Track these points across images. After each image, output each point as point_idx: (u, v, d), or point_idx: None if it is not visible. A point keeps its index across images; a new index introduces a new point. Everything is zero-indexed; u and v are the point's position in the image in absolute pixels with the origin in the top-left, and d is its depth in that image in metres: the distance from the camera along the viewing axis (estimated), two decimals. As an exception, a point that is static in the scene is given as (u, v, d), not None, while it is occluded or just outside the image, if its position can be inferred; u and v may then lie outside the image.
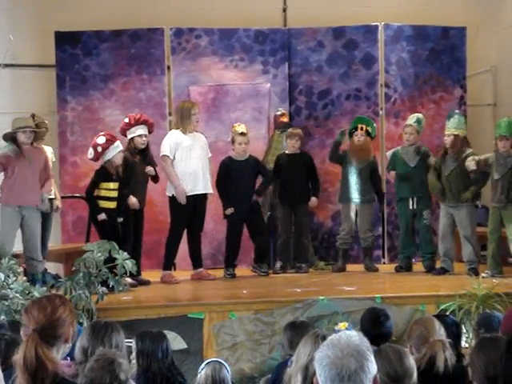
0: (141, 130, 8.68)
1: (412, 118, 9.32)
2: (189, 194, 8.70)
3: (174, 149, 8.70)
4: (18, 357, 3.14)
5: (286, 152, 9.44)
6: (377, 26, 10.36)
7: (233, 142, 9.09)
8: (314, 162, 9.59)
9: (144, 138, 8.70)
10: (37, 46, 10.32)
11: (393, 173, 9.40)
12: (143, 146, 8.71)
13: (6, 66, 10.17)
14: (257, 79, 10.33)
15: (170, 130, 9.95)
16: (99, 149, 8.29)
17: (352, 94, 10.38)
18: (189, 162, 8.73)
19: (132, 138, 8.67)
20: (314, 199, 9.40)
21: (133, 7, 10.36)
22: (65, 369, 3.97)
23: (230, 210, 9.00)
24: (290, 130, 9.54)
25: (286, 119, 9.88)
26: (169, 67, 10.24)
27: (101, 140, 8.32)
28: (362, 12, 10.45)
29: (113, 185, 8.34)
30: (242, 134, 9.03)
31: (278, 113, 9.91)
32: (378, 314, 5.16)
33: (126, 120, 8.72)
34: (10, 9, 10.29)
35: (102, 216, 8.21)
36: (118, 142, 8.38)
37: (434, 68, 10.53)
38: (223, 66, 10.29)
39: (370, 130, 9.37)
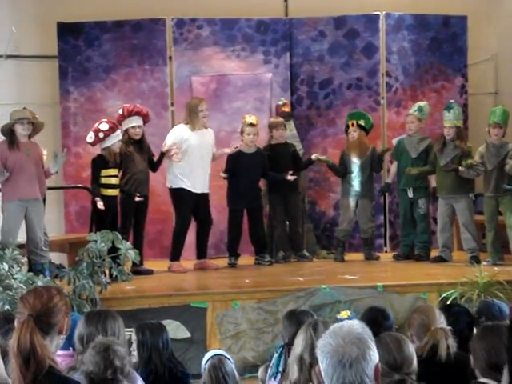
0: (134, 121, 8.67)
1: (414, 107, 9.36)
2: (188, 189, 8.76)
3: (179, 141, 8.74)
4: (12, 341, 3.17)
5: (271, 143, 9.42)
6: (378, 15, 10.36)
7: (242, 132, 9.10)
8: (297, 150, 9.57)
9: (138, 129, 8.68)
10: (39, 36, 10.31)
11: (394, 164, 9.43)
12: (138, 137, 8.69)
13: (9, 57, 10.17)
14: (258, 69, 10.34)
15: (172, 120, 10.05)
16: (101, 135, 8.31)
17: (353, 83, 10.39)
18: (191, 159, 8.76)
19: (126, 130, 8.65)
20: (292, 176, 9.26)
21: (134, -2, 10.39)
22: (66, 359, 4.01)
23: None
24: (272, 119, 9.56)
25: (287, 109, 9.89)
26: (171, 57, 10.24)
27: (104, 126, 8.34)
28: (363, 1, 10.46)
29: (112, 171, 8.38)
30: (251, 124, 9.01)
31: (280, 102, 9.92)
32: (376, 315, 5.09)
33: (120, 111, 8.69)
34: (12, 0, 10.30)
35: (100, 204, 8.21)
36: (118, 131, 8.42)
37: (435, 57, 10.54)
38: (225, 56, 10.30)
39: (362, 124, 9.35)
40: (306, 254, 9.41)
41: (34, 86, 10.23)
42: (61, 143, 9.99)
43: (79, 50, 10.12)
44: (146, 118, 8.82)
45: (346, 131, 9.43)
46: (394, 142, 9.61)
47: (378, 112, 10.34)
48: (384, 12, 10.33)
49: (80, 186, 9.37)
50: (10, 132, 7.65)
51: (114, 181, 8.40)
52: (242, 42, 10.29)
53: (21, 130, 7.63)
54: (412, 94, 10.40)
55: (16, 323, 3.31)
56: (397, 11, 10.39)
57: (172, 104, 10.20)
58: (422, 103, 9.40)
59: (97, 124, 8.45)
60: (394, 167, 9.49)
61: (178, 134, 8.83)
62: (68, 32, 10.08)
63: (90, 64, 10.15)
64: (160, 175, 9.11)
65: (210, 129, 9.04)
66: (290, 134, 9.70)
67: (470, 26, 10.58)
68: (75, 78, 10.12)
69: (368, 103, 10.32)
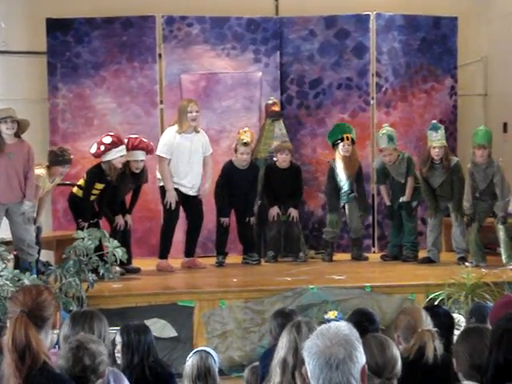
0: (137, 156, 8.63)
1: (383, 139, 9.13)
2: (177, 187, 8.73)
3: (171, 151, 8.65)
4: (6, 338, 3.16)
5: (277, 165, 9.36)
6: (368, 16, 10.35)
7: (235, 150, 9.01)
8: (301, 174, 9.56)
9: (140, 163, 8.65)
10: (28, 32, 10.27)
11: (383, 186, 9.45)
12: (137, 171, 8.67)
13: (-3, 52, 10.15)
14: (248, 68, 10.32)
15: (161, 118, 10.01)
16: (102, 147, 8.30)
17: (343, 83, 10.38)
18: (179, 164, 8.70)
19: (128, 161, 8.58)
20: (293, 210, 9.33)
21: (124, -5, 10.36)
22: (52, 357, 4.00)
23: (225, 220, 9.05)
24: (279, 143, 9.47)
25: (277, 108, 9.88)
26: (160, 55, 10.21)
27: (107, 140, 8.32)
28: (354, 1, 10.44)
29: (101, 186, 8.40)
30: (246, 144, 8.94)
31: (270, 102, 9.90)
32: (361, 318, 5.04)
33: (125, 141, 8.60)
34: (1, -5, 10.27)
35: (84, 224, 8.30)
36: (122, 147, 8.35)
37: (425, 58, 10.54)
38: (215, 54, 10.27)
39: (353, 137, 9.28)
40: (302, 255, 9.38)
41: (22, 81, 10.19)
42: (49, 140, 9.95)
43: (68, 46, 10.07)
44: (150, 153, 8.76)
45: (334, 144, 9.30)
46: (376, 165, 9.56)
47: (367, 112, 10.34)
48: (374, 12, 10.34)
49: (67, 182, 9.30)
50: None
51: (96, 192, 8.45)
52: (232, 40, 10.27)
53: (5, 130, 7.56)
54: (402, 95, 10.41)
55: (8, 322, 3.32)
56: (387, 11, 10.39)
57: (161, 102, 10.17)
58: (388, 131, 9.17)
59: (102, 136, 8.44)
60: (384, 189, 9.48)
61: (170, 140, 8.68)
62: (57, 28, 10.03)
63: (78, 60, 10.10)
64: (149, 173, 9.06)
65: (202, 131, 8.90)
66: (279, 133, 9.71)
67: (460, 28, 10.60)
68: (64, 75, 10.08)
69: (358, 103, 10.33)
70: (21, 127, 7.68)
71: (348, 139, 9.19)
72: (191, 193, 8.81)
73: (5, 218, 7.76)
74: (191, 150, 8.72)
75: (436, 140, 8.77)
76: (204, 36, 10.23)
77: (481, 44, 10.96)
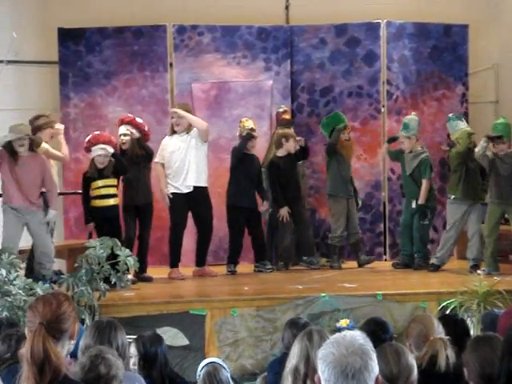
0: (121, 130, 8.78)
1: (402, 125, 9.31)
2: (178, 192, 8.81)
3: (162, 155, 8.90)
4: (24, 350, 3.15)
5: (278, 155, 9.38)
6: (379, 23, 10.37)
7: (249, 139, 9.22)
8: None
9: (123, 137, 8.74)
10: (40, 42, 10.33)
11: (385, 146, 9.59)
12: (125, 147, 8.74)
13: (9, 62, 10.16)
14: (259, 76, 10.35)
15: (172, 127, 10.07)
16: (86, 144, 8.56)
17: (354, 91, 10.39)
18: (171, 165, 8.85)
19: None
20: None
21: (136, 4, 10.41)
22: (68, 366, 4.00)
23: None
24: (284, 131, 9.47)
25: (288, 116, 9.88)
26: (171, 64, 10.26)
27: (87, 138, 8.54)
28: (364, 9, 10.47)
29: (101, 182, 8.43)
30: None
31: (280, 110, 9.90)
32: (375, 328, 5.01)
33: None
34: (13, 5, 10.31)
35: (90, 226, 8.46)
36: (97, 147, 8.42)
37: (435, 65, 10.54)
38: (225, 62, 10.31)
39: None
40: (315, 260, 9.38)
41: (34, 91, 10.25)
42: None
43: (80, 55, 10.13)
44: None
45: (332, 132, 9.41)
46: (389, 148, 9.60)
47: (378, 120, 10.34)
48: (385, 20, 10.34)
49: (80, 192, 9.34)
50: (9, 147, 7.63)
51: (103, 191, 8.47)
52: (242, 49, 10.30)
53: (18, 147, 7.62)
54: (413, 103, 10.40)
55: (26, 332, 3.30)
56: (398, 19, 10.39)
57: (172, 111, 10.19)
58: (407, 118, 9.30)
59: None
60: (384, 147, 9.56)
61: (162, 145, 8.97)
62: (69, 38, 10.09)
63: (90, 70, 10.16)
64: (159, 182, 9.09)
65: (195, 129, 8.88)
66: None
67: (471, 35, 10.59)
68: (75, 84, 10.13)
69: (368, 111, 10.32)
70: (33, 143, 7.75)
71: (348, 128, 9.46)
72: (190, 187, 8.83)
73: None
74: (180, 149, 8.81)
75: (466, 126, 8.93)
76: (215, 45, 10.27)
77: (492, 51, 10.95)
